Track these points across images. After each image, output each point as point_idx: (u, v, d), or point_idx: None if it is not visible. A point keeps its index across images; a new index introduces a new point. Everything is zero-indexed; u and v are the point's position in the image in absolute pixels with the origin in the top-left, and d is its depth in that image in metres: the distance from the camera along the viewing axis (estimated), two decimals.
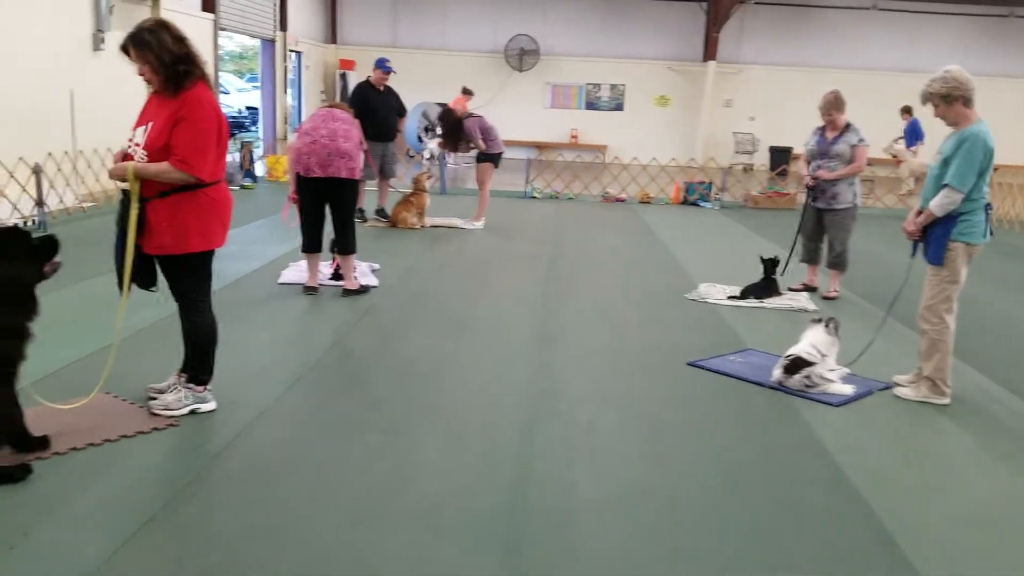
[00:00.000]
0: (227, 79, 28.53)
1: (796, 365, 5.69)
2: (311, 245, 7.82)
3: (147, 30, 4.46)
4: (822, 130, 8.44)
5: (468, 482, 4.18)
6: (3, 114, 10.65)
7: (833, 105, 8.20)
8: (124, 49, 4.54)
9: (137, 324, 6.26)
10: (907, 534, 3.85)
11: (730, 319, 7.58)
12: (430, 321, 7.15)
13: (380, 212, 12.19)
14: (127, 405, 4.91)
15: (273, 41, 21.32)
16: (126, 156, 4.60)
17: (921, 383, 5.64)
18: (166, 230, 4.55)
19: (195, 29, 4.53)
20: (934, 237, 5.44)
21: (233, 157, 15.82)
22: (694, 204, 16.32)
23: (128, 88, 13.97)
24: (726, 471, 4.47)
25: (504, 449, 4.59)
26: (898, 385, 5.80)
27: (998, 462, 4.77)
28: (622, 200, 16.42)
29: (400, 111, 12.04)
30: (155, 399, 4.89)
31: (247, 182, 15.78)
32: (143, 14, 14.46)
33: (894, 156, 19.08)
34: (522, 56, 25.89)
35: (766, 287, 8.29)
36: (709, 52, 25.29)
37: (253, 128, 23.03)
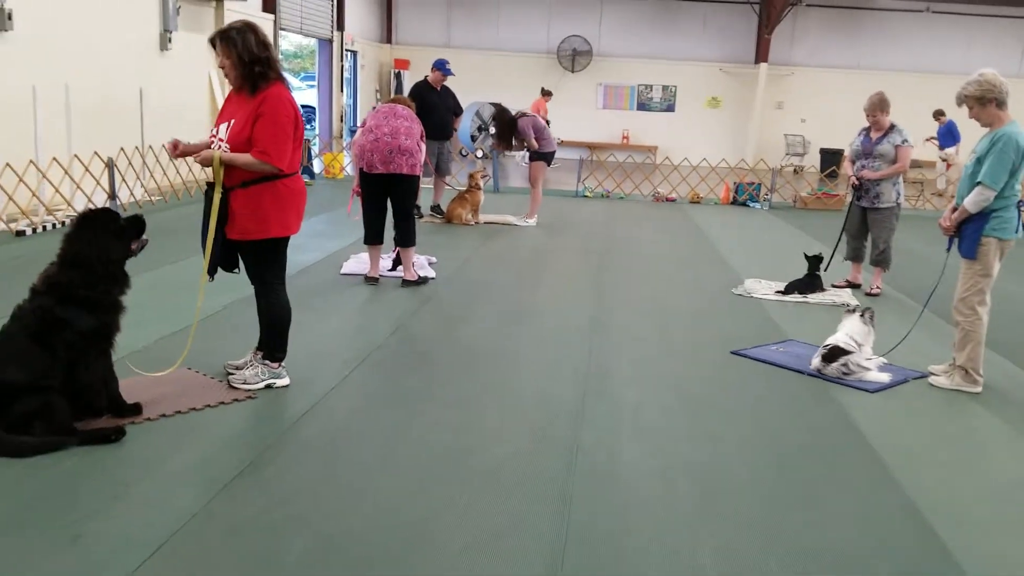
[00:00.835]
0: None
1: (834, 354, 5.97)
2: (373, 237, 8.22)
3: (236, 29, 4.86)
4: (867, 131, 8.68)
5: (525, 449, 4.54)
6: (79, 111, 11.21)
7: (878, 106, 8.44)
8: (212, 42, 4.94)
9: (214, 306, 6.70)
10: (935, 508, 4.11)
11: (774, 312, 7.87)
12: (487, 309, 7.53)
13: (435, 208, 12.59)
14: (208, 379, 5.34)
15: (330, 41, 21.86)
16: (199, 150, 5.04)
17: (955, 372, 5.89)
18: (248, 217, 4.95)
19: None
20: (968, 232, 5.70)
21: None
22: (743, 205, 16.53)
23: (192, 87, 14.73)
24: (767, 449, 4.77)
25: (558, 422, 4.95)
26: (932, 374, 6.07)
27: None
28: (672, 200, 16.69)
29: (456, 110, 12.45)
30: (233, 374, 5.31)
31: (305, 178, 16.26)
32: (208, 15, 15.08)
33: (945, 160, 19.13)
34: (574, 57, 26.22)
35: (810, 283, 8.55)
36: (761, 54, 25.42)
37: (309, 126, 23.61)
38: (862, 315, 6.21)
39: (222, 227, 4.96)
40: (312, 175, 16.68)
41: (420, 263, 8.91)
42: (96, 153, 11.04)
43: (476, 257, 9.93)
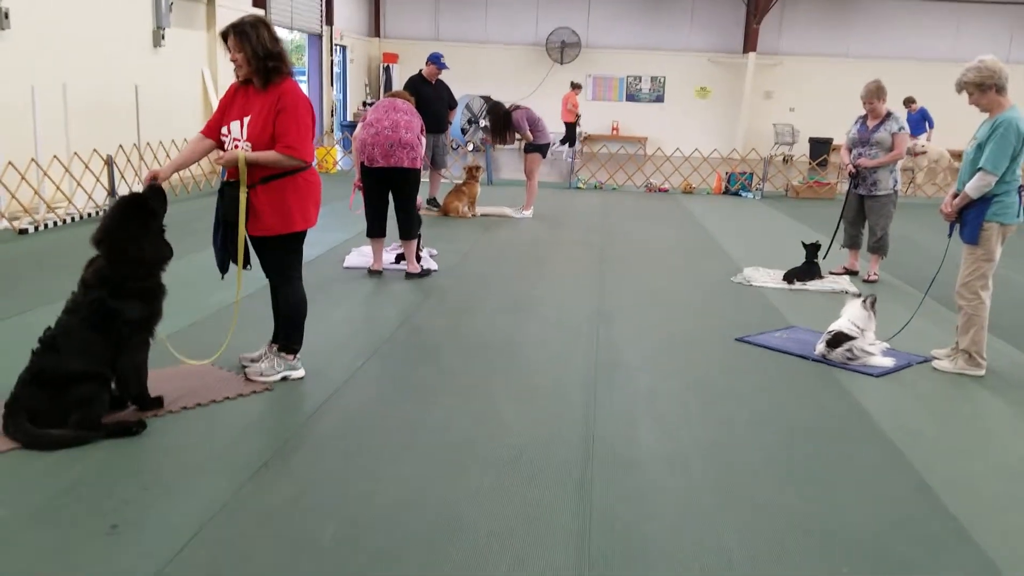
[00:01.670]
0: None
1: (838, 339, 6.07)
2: (375, 231, 8.28)
3: (249, 24, 4.90)
4: (864, 118, 8.77)
5: (542, 437, 4.62)
6: (77, 109, 11.23)
7: (875, 94, 8.53)
8: (224, 36, 4.99)
9: (225, 300, 6.75)
10: (947, 486, 4.21)
11: (775, 300, 7.97)
12: (492, 301, 7.60)
13: (431, 201, 12.64)
14: (224, 372, 5.40)
15: (320, 35, 21.85)
16: (220, 147, 5.07)
17: (958, 356, 6.00)
18: (271, 213, 4.99)
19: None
20: (970, 218, 5.79)
21: None
22: (736, 194, 16.64)
23: (185, 83, 14.71)
24: (776, 430, 4.87)
25: (573, 411, 5.04)
26: (936, 358, 6.17)
27: None
28: (665, 190, 16.78)
29: (451, 103, 12.50)
30: (249, 367, 5.37)
31: None
32: (200, 11, 15.10)
33: (912, 150, 19.29)
34: (563, 49, 26.27)
35: (808, 270, 8.65)
36: (749, 44, 25.54)
37: None
38: (864, 301, 6.31)
39: (244, 225, 5.01)
40: None
41: (422, 256, 8.97)
42: (95, 150, 11.07)
43: (476, 249, 10.00)
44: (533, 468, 4.23)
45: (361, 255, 9.00)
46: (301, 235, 5.19)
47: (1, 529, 3.47)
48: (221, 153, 5.04)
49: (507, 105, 12.81)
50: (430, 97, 11.87)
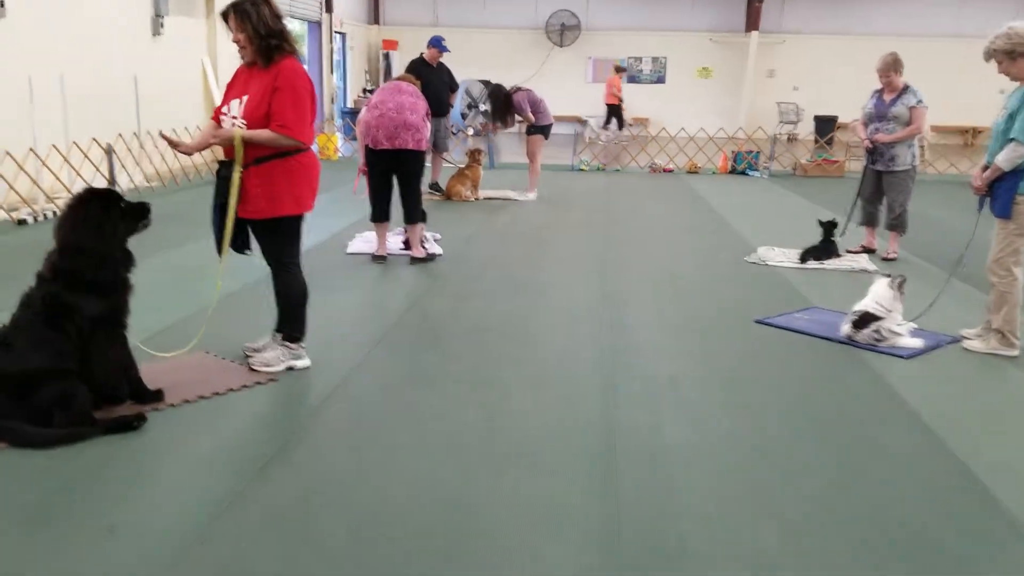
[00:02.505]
0: None
1: (865, 320, 5.84)
2: (380, 215, 8.05)
3: (250, 2, 4.68)
4: (879, 92, 8.52)
5: (557, 426, 4.39)
6: (75, 98, 10.97)
7: (891, 66, 8.29)
8: (224, 16, 4.76)
9: (227, 289, 6.49)
10: (993, 475, 3.96)
11: (792, 279, 7.73)
12: (499, 285, 7.37)
13: (434, 186, 12.42)
14: (227, 363, 5.18)
15: (319, 23, 21.57)
16: (218, 127, 4.84)
17: (990, 335, 5.76)
18: (260, 195, 4.76)
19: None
20: (1001, 191, 5.54)
21: None
22: (742, 173, 16.38)
23: (185, 71, 14.44)
24: (807, 417, 4.65)
25: (589, 397, 4.81)
26: (966, 338, 5.94)
27: None
28: (670, 171, 16.53)
29: (452, 86, 12.26)
30: (252, 357, 5.15)
31: None
32: None
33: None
34: (563, 31, 25.98)
35: (825, 249, 8.42)
36: (751, 22, 25.23)
37: None
38: (892, 281, 6.05)
39: (234, 206, 4.79)
40: None
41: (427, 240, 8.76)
42: (94, 140, 10.83)
43: (481, 233, 9.77)
44: (553, 461, 4.00)
45: (365, 240, 8.77)
46: (295, 220, 4.95)
47: None
48: (219, 133, 4.80)
49: (508, 88, 12.57)
50: (432, 80, 11.61)
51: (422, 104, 7.89)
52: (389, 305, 6.70)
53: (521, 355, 5.57)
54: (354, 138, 17.56)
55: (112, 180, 10.63)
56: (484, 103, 13.69)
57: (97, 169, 10.76)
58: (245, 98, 4.77)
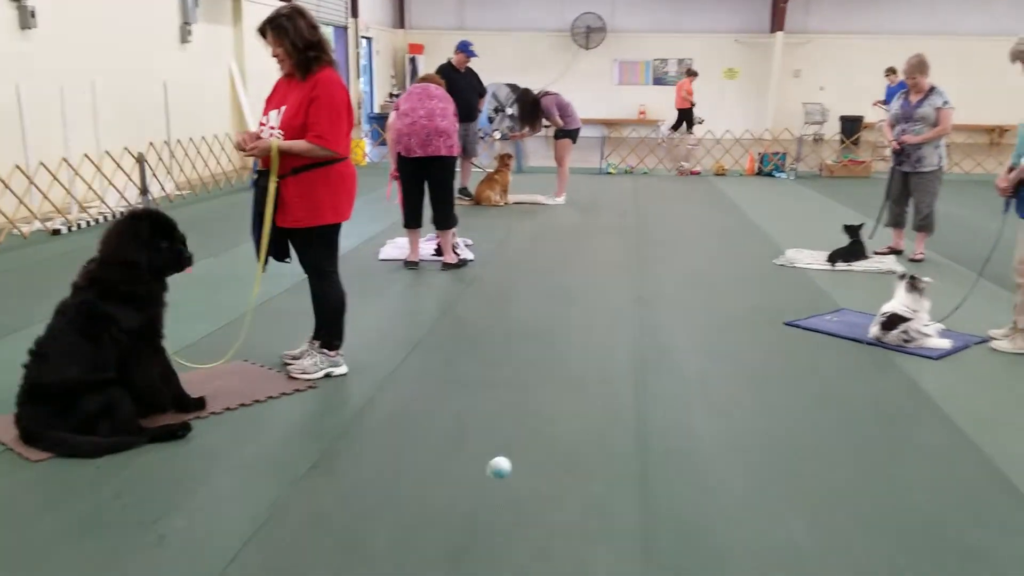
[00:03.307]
0: None
1: (893, 321, 5.88)
2: (413, 220, 8.16)
3: (285, 16, 4.77)
4: (906, 94, 8.55)
5: (595, 429, 4.49)
6: (106, 107, 11.18)
7: (917, 68, 8.32)
8: (261, 32, 4.86)
9: (263, 296, 6.65)
10: (1019, 471, 4.04)
11: (820, 282, 7.77)
12: (531, 289, 7.47)
13: (463, 191, 12.51)
14: (266, 370, 5.30)
15: (345, 28, 21.76)
16: (258, 137, 4.95)
17: (1017, 336, 5.80)
18: (300, 205, 4.88)
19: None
20: None
21: None
22: (769, 175, 16.38)
23: (213, 78, 14.65)
24: (837, 417, 4.71)
25: (623, 400, 4.90)
26: (993, 339, 5.98)
27: None
28: (697, 173, 16.56)
29: (481, 91, 12.35)
30: (291, 364, 5.27)
31: None
32: (226, 6, 15.02)
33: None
34: (588, 34, 26.03)
35: (853, 251, 8.45)
36: (777, 23, 25.17)
37: None
38: (915, 283, 6.08)
39: (275, 216, 4.90)
40: None
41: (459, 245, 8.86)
42: (126, 148, 11.02)
43: (512, 237, 9.87)
44: (589, 463, 4.10)
45: (396, 247, 8.89)
46: (334, 228, 5.06)
47: (48, 538, 3.38)
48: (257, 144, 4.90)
49: (535, 91, 12.65)
50: (460, 85, 11.71)
51: (451, 107, 7.99)
52: (423, 311, 6.81)
53: (555, 358, 5.66)
54: (382, 143, 17.74)
55: (144, 189, 10.79)
56: (511, 107, 13.80)
57: (129, 178, 10.94)
58: (283, 108, 4.88)
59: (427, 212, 8.18)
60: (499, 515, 3.60)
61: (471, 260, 8.50)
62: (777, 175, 16.34)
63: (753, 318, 6.65)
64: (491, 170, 12.71)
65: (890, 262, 8.47)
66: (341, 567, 3.21)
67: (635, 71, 26.61)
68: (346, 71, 22.03)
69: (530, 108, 12.48)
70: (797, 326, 6.37)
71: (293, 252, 5.16)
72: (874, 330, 5.97)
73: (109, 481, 3.84)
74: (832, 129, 24.21)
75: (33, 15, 9.96)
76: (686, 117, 22.92)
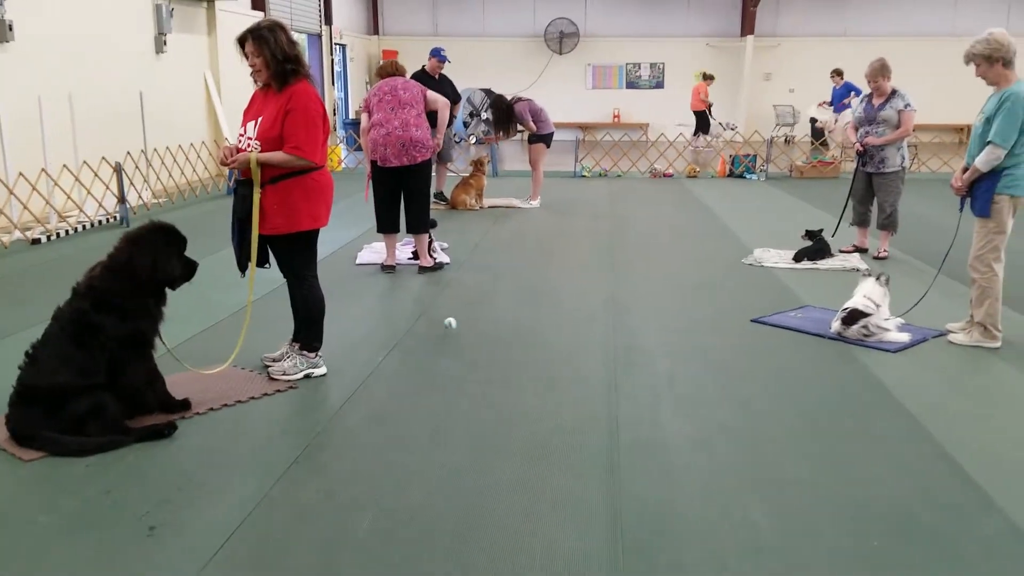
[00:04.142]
0: None
1: (853, 317, 6.11)
2: (389, 226, 8.33)
3: (267, 28, 4.94)
4: (869, 97, 8.81)
5: (567, 424, 4.68)
6: (83, 117, 11.28)
7: (879, 72, 8.57)
8: (241, 41, 5.02)
9: (243, 301, 6.79)
10: (970, 457, 4.27)
11: (787, 280, 8.01)
12: (507, 291, 7.66)
13: (439, 195, 12.67)
14: (247, 372, 5.45)
15: (319, 35, 21.88)
16: (238, 150, 5.11)
17: (973, 328, 6.04)
18: (278, 212, 5.04)
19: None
20: (980, 191, 5.83)
21: None
22: (740, 176, 16.64)
23: (188, 88, 14.77)
24: (799, 410, 4.93)
25: (595, 396, 5.10)
26: (951, 332, 6.21)
27: None
28: (670, 175, 16.79)
29: (455, 98, 12.51)
30: (271, 366, 5.43)
31: None
32: (201, 16, 15.13)
33: (819, 126, 19.36)
34: (562, 39, 26.26)
35: (819, 250, 8.69)
36: (747, 27, 25.51)
37: None
38: (877, 279, 6.35)
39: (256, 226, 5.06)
40: None
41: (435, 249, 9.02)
42: (104, 158, 11.12)
43: (486, 241, 10.05)
44: (561, 456, 4.29)
45: (373, 251, 9.05)
46: (311, 234, 5.24)
47: (43, 535, 3.52)
48: (224, 157, 5.07)
49: (509, 97, 12.84)
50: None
51: (419, 99, 8.16)
52: (400, 313, 6.98)
53: (530, 357, 5.85)
54: (358, 148, 17.87)
55: (122, 198, 10.90)
56: (485, 111, 13.97)
57: (107, 187, 11.05)
58: (260, 120, 5.04)
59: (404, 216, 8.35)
60: (475, 504, 3.77)
61: (447, 263, 8.67)
62: (748, 176, 16.60)
63: (721, 316, 6.86)
64: (466, 174, 12.88)
65: (855, 260, 8.72)
66: (325, 557, 3.38)
67: (608, 75, 26.87)
68: (320, 78, 22.15)
69: (504, 114, 12.65)
70: (763, 323, 6.59)
71: (272, 258, 5.33)
72: (836, 325, 6.20)
73: (99, 478, 4.00)
74: (802, 131, 24.58)
75: (11, 28, 10.06)
76: (703, 119, 23.12)
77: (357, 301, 7.29)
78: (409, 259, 8.62)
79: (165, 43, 13.87)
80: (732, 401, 5.05)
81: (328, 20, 22.22)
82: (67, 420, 4.28)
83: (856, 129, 8.92)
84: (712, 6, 26.20)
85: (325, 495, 3.87)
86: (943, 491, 3.93)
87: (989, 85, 5.89)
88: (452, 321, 6.17)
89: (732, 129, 22.86)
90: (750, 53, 25.41)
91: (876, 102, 8.71)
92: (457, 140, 21.00)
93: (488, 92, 22.28)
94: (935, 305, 6.72)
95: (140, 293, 4.57)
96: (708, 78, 23.19)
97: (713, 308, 7.12)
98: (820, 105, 20.95)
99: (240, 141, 5.14)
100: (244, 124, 5.17)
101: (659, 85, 26.85)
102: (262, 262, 5.32)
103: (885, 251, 8.98)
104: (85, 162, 10.87)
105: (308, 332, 5.42)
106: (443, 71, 12.33)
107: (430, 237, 8.60)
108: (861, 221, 9.16)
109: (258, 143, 5.00)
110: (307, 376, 5.36)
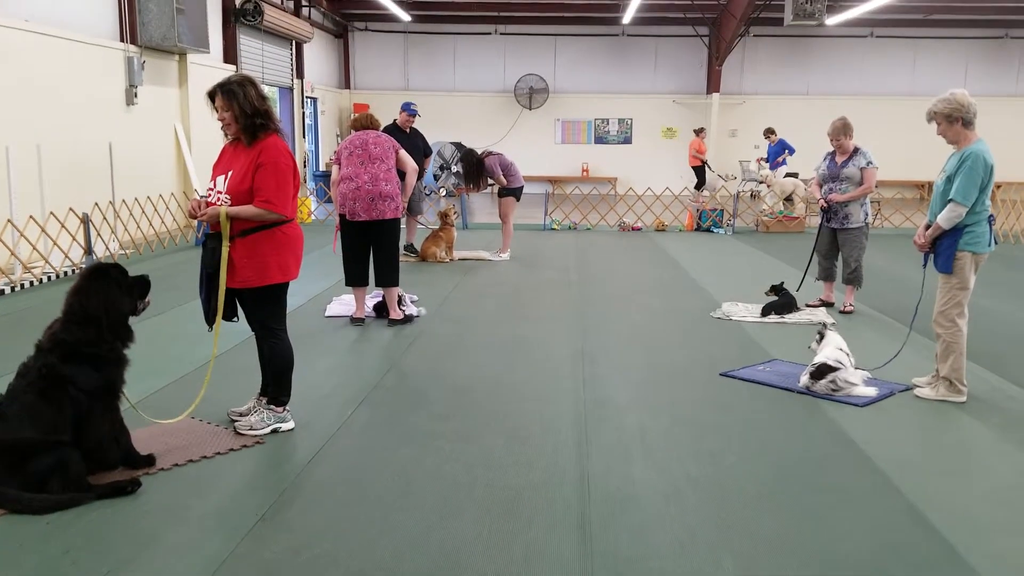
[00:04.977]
0: None
1: (822, 371, 6.15)
2: (357, 279, 8.31)
3: (236, 83, 4.97)
4: (832, 155, 8.96)
5: (537, 479, 4.65)
6: (51, 168, 11.24)
7: (841, 131, 8.74)
8: (211, 95, 5.04)
9: (209, 355, 6.73)
10: (937, 510, 4.29)
11: (754, 334, 8.06)
12: (476, 344, 7.64)
13: (409, 248, 12.70)
14: (213, 427, 5.39)
15: (291, 89, 21.99)
16: (208, 204, 5.10)
17: (939, 383, 6.10)
18: (248, 265, 5.03)
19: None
20: (943, 248, 5.93)
21: None
22: (707, 231, 16.81)
23: (158, 140, 14.76)
24: (769, 463, 4.93)
25: (565, 450, 5.07)
26: (917, 386, 6.27)
27: (1017, 449, 5.21)
28: (638, 229, 16.93)
29: (426, 151, 12.60)
30: (238, 421, 5.37)
31: None
32: (172, 69, 15.16)
33: (762, 181, 19.73)
34: (531, 95, 26.56)
35: (785, 304, 8.77)
36: (713, 84, 25.96)
37: None
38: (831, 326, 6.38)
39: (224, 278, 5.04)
40: None
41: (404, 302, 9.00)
42: (71, 209, 11.05)
43: (457, 293, 10.05)
44: (531, 510, 4.26)
45: (342, 304, 9.02)
46: (281, 287, 5.22)
47: None
48: (205, 209, 5.05)
49: (479, 151, 12.93)
50: (405, 146, 11.88)
51: (391, 155, 8.18)
52: (369, 366, 6.94)
53: (501, 412, 5.82)
54: (328, 200, 17.89)
55: (89, 249, 10.82)
56: (456, 165, 14.07)
57: (74, 238, 10.97)
58: (230, 174, 5.04)
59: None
60: (445, 562, 3.73)
61: (417, 316, 8.65)
62: (715, 231, 16.77)
63: (690, 369, 6.88)
64: (435, 227, 12.91)
65: (821, 314, 8.80)
66: None
67: (578, 130, 27.17)
68: (291, 130, 22.21)
69: (474, 168, 12.73)
70: (732, 376, 6.62)
71: (240, 311, 5.30)
72: (804, 379, 6.24)
73: (59, 536, 3.92)
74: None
75: None
76: (700, 174, 23.41)
77: (326, 354, 7.25)
78: (371, 313, 8.56)
79: (136, 95, 13.87)
80: (702, 454, 5.04)
81: (300, 74, 22.35)
82: (30, 476, 4.20)
83: (820, 186, 9.06)
84: (678, 64, 26.66)
85: (292, 552, 3.82)
86: (911, 547, 3.94)
87: (949, 144, 6.01)
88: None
89: (734, 179, 23.20)
90: (716, 110, 25.82)
91: (839, 160, 8.86)
92: (427, 193, 21.12)
93: (459, 146, 22.49)
94: (901, 358, 6.77)
95: (107, 337, 4.53)
96: (699, 133, 23.53)
97: (682, 361, 7.14)
98: (758, 161, 21.52)
99: (210, 195, 5.13)
100: (214, 178, 5.17)
101: (627, 140, 27.18)
102: (230, 316, 5.29)
103: (851, 305, 9.08)
104: (52, 213, 10.80)
105: (276, 386, 5.37)
106: (414, 124, 12.40)
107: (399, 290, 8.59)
108: (827, 276, 9.27)
109: (228, 197, 4.99)
110: (274, 431, 5.30)
